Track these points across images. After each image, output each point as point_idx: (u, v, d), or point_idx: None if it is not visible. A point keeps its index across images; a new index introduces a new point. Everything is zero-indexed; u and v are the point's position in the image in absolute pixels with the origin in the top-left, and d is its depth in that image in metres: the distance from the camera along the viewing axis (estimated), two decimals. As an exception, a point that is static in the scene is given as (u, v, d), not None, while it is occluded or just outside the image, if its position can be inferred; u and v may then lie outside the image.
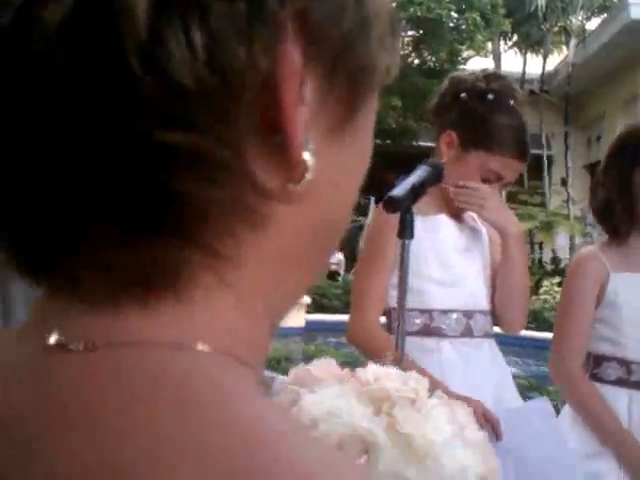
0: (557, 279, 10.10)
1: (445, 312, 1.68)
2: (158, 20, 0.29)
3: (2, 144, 0.32)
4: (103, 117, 0.30)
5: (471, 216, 1.82)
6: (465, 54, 13.59)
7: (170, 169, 0.30)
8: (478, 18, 12.32)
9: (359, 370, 0.92)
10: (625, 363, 1.75)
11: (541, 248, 13.15)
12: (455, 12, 12.87)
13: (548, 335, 4.42)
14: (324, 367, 0.96)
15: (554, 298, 9.11)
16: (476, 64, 14.09)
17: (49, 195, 0.32)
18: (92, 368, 0.32)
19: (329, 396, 0.87)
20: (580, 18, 13.92)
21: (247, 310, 0.36)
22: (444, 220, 1.74)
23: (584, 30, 13.85)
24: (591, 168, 15.02)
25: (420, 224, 1.47)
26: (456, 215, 1.77)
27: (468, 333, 1.69)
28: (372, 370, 0.91)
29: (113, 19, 0.29)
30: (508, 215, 1.73)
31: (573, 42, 13.83)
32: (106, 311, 0.34)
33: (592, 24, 13.88)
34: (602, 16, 13.40)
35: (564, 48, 14.78)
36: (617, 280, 1.77)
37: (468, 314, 1.70)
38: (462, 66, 12.96)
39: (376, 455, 0.80)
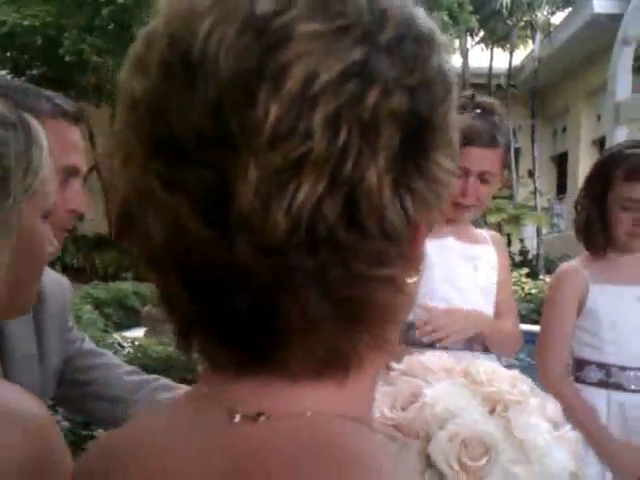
0: (525, 270, 10.24)
1: None
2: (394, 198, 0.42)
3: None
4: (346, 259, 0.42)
5: (481, 234, 1.96)
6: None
7: (373, 290, 0.43)
8: (446, 17, 12.42)
9: (469, 365, 0.95)
10: (604, 367, 1.90)
11: (509, 240, 13.34)
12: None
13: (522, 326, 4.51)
14: (435, 358, 0.99)
15: (522, 289, 9.24)
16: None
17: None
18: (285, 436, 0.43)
19: (447, 392, 0.90)
20: (545, 13, 14.10)
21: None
22: (450, 242, 1.84)
23: (549, 25, 14.03)
24: (557, 159, 15.25)
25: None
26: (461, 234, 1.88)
27: (469, 347, 1.82)
28: (483, 368, 0.93)
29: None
30: (476, 322, 1.81)
31: (539, 37, 14.01)
32: (308, 386, 0.45)
33: (557, 18, 14.06)
34: (567, 10, 13.59)
35: (530, 43, 14.97)
36: (596, 291, 1.92)
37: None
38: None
39: (495, 457, 0.83)
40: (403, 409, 0.88)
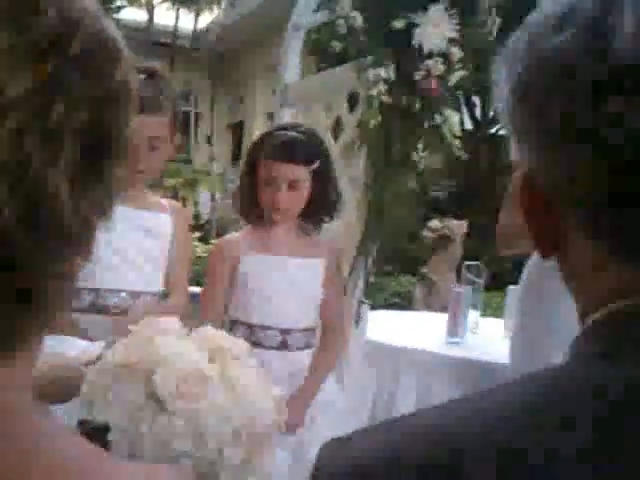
0: (198, 234, 10.48)
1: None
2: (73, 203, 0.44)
3: None
4: None
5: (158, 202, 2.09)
6: (118, 2, 13.20)
7: (47, 284, 0.47)
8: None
9: (198, 329, 1.15)
10: (250, 326, 2.05)
11: (184, 204, 13.53)
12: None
13: (190, 289, 4.65)
14: (168, 322, 1.15)
15: (194, 252, 9.45)
16: (129, 14, 13.79)
17: None
18: None
19: (175, 342, 1.09)
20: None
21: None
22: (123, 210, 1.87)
23: (235, -9, 14.36)
24: (234, 127, 15.79)
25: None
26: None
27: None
28: (210, 330, 1.14)
29: None
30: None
31: (224, 3, 14.27)
32: None
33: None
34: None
35: (216, 8, 15.19)
36: (246, 261, 2.07)
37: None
38: (115, 15, 12.58)
39: (210, 391, 1.02)
40: (133, 353, 1.06)
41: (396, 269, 8.46)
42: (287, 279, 2.07)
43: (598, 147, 0.46)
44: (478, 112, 10.97)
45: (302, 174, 2.00)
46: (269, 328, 2.04)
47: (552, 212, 0.52)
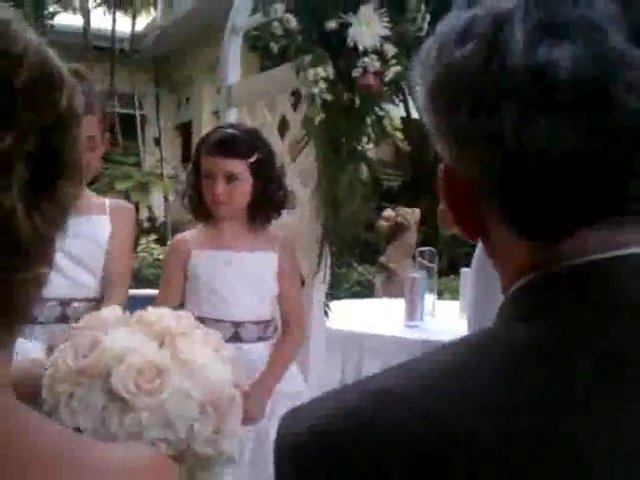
0: (153, 236, 10.42)
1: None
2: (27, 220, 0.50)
3: None
4: None
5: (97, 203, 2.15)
6: (51, 9, 12.97)
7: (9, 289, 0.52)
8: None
9: (141, 313, 1.17)
10: (202, 320, 2.08)
11: (137, 207, 13.41)
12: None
13: (148, 291, 4.64)
14: (110, 312, 1.18)
15: (151, 255, 9.39)
16: (65, 20, 13.56)
17: None
18: None
19: (122, 336, 1.11)
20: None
21: None
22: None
23: (170, -8, 14.22)
24: (182, 128, 15.68)
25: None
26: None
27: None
28: (153, 312, 1.17)
29: None
30: None
31: (160, 5, 14.14)
32: None
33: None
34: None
35: (152, 10, 15.03)
36: (197, 256, 2.14)
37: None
38: (50, 22, 12.37)
39: (167, 378, 1.05)
40: (85, 357, 1.07)
41: (356, 259, 8.56)
42: (237, 273, 2.12)
43: (499, 147, 0.53)
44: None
45: (238, 168, 2.06)
46: (221, 321, 2.08)
47: (471, 200, 0.59)
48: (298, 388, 2.19)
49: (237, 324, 2.11)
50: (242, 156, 2.06)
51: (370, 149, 2.45)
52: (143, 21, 15.10)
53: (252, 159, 2.07)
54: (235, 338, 2.10)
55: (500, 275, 0.62)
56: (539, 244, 0.56)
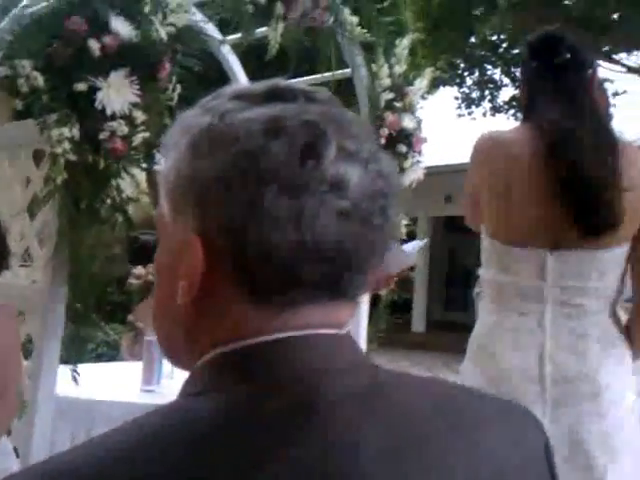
0: None
1: None
2: None
3: None
4: None
5: None
6: None
7: None
8: None
9: None
10: None
11: None
12: None
13: None
14: None
15: None
16: None
17: None
18: None
19: None
20: None
21: None
22: None
23: None
24: None
25: None
26: None
27: None
28: None
29: None
30: None
31: None
32: None
33: None
34: None
35: None
36: None
37: None
38: None
39: None
40: None
41: (105, 318, 8.24)
42: None
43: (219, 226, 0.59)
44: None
45: None
46: None
47: (208, 261, 0.61)
48: (6, 465, 2.06)
49: None
50: None
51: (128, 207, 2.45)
52: None
53: None
54: None
55: (195, 340, 0.65)
56: (253, 312, 0.61)
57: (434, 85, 12.23)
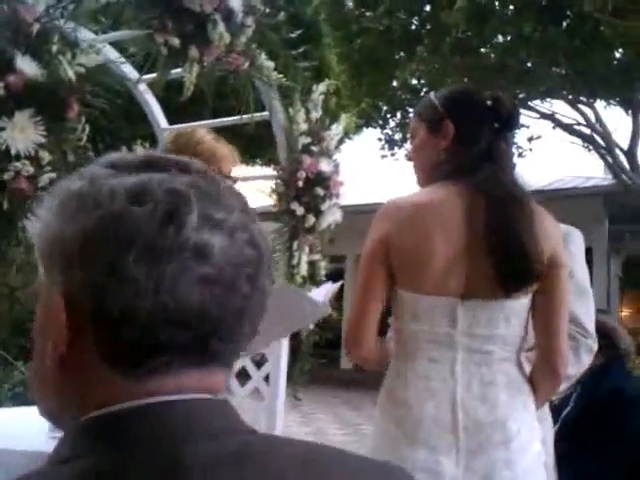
0: None
1: None
2: None
3: None
4: None
5: None
6: None
7: None
8: None
9: None
10: None
11: None
12: None
13: None
14: None
15: None
16: None
17: None
18: None
19: None
20: None
21: None
22: None
23: None
24: None
25: None
26: None
27: None
28: None
29: None
30: None
31: None
32: None
33: None
34: None
35: None
36: None
37: None
38: None
39: None
40: None
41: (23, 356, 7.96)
42: None
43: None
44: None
45: None
46: None
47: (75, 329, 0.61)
48: None
49: None
50: None
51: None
52: None
53: None
54: None
55: (65, 406, 0.64)
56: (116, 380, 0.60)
57: (358, 126, 12.48)
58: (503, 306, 1.68)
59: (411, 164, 1.92)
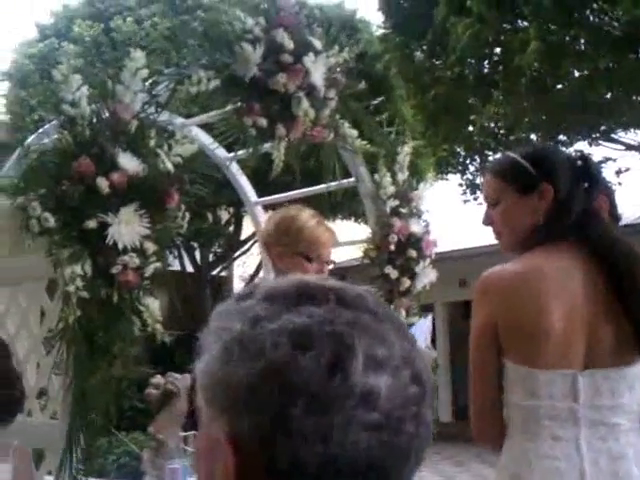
0: None
1: None
2: None
3: None
4: None
5: None
6: None
7: None
8: None
9: None
10: None
11: None
12: None
13: None
14: None
15: None
16: None
17: None
18: None
19: None
20: None
21: None
22: None
23: None
24: None
25: None
26: None
27: None
28: None
29: None
30: None
31: None
32: None
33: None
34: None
35: None
36: None
37: None
38: None
39: None
40: None
41: (125, 426, 8.10)
42: None
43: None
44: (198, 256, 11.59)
45: None
46: None
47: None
48: None
49: None
50: None
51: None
52: None
53: None
54: None
55: None
56: None
57: (438, 173, 12.43)
58: (625, 374, 1.61)
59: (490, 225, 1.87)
